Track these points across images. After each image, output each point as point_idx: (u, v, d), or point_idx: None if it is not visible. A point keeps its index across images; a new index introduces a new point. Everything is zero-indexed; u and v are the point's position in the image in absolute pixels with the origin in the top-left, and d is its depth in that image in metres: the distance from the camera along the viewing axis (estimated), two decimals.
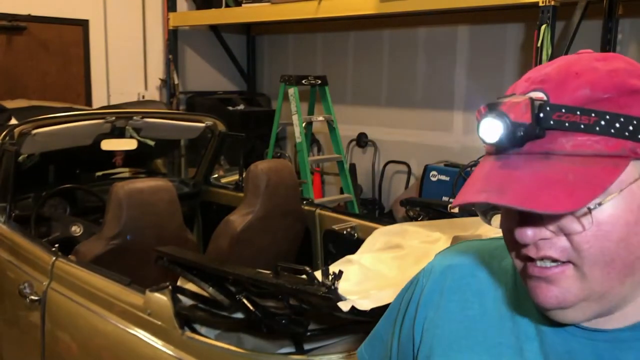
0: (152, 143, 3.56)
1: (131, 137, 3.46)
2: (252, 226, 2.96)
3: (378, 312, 1.52)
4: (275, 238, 3.08)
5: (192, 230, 3.80)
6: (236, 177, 4.00)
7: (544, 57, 3.62)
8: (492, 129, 0.71)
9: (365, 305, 1.46)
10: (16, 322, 2.64)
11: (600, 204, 0.68)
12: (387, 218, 5.55)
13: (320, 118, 4.92)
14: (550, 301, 0.74)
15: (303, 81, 4.76)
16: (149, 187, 2.65)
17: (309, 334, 1.80)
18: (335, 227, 3.08)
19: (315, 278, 1.49)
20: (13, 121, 3.65)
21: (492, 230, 0.79)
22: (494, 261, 0.90)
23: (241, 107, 6.66)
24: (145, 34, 6.66)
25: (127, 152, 3.71)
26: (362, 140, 6.61)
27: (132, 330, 1.98)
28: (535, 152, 0.70)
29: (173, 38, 6.70)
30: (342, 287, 1.47)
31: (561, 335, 0.80)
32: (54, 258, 2.41)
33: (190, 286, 1.95)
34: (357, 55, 6.67)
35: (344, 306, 1.45)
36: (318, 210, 3.25)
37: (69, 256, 2.56)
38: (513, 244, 0.76)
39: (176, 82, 6.71)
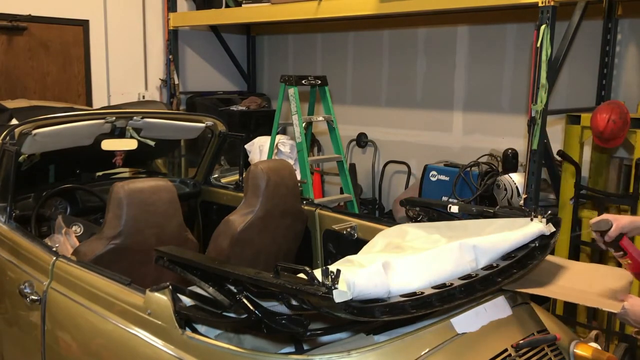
0: (152, 143, 3.56)
1: (131, 137, 3.46)
2: (252, 226, 2.96)
3: (378, 312, 1.52)
4: (275, 238, 3.08)
5: (192, 230, 3.80)
6: (236, 177, 4.01)
7: (544, 57, 3.61)
8: None
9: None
10: (16, 321, 2.64)
11: None
12: (387, 218, 5.55)
13: (320, 118, 4.92)
14: None
15: (303, 81, 4.76)
16: (149, 187, 2.65)
17: (309, 334, 1.80)
18: (335, 227, 3.08)
19: (315, 278, 1.49)
20: (14, 121, 3.66)
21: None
22: None
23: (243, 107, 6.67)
24: (145, 34, 6.67)
25: (127, 152, 3.71)
26: (362, 140, 6.61)
27: (133, 330, 1.98)
28: None
29: (173, 38, 6.70)
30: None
31: None
32: (54, 258, 2.41)
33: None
34: (357, 55, 6.68)
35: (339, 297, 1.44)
36: (318, 210, 3.26)
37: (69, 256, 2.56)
38: None
39: (176, 82, 6.71)
